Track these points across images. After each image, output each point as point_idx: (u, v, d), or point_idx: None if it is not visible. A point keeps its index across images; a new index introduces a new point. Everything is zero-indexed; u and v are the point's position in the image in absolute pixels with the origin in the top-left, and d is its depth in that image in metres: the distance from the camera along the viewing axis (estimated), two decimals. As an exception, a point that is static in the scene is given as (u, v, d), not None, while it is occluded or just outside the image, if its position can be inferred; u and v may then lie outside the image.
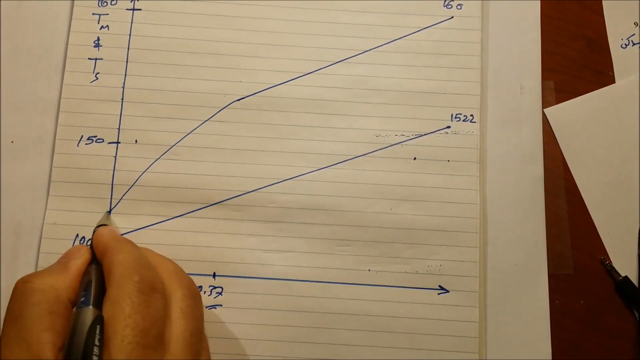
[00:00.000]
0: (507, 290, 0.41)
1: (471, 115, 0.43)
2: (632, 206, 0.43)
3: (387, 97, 0.43)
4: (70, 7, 0.44)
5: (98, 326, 0.30)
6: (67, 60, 0.43)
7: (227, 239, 0.41)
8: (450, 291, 0.41)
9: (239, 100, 0.43)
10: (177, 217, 0.41)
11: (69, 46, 0.43)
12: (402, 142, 0.42)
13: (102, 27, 0.44)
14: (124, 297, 0.31)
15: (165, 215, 0.41)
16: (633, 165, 0.43)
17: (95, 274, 0.34)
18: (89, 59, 0.43)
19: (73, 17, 0.44)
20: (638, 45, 0.45)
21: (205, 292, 0.40)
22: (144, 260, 0.34)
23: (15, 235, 0.41)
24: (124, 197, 0.42)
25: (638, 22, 0.45)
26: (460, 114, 0.43)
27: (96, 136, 0.42)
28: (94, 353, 0.29)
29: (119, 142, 0.42)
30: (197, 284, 0.40)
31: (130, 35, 0.44)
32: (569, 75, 0.44)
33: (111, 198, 0.41)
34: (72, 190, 0.41)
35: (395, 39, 0.44)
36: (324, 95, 0.43)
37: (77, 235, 0.41)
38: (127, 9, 0.44)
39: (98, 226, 0.39)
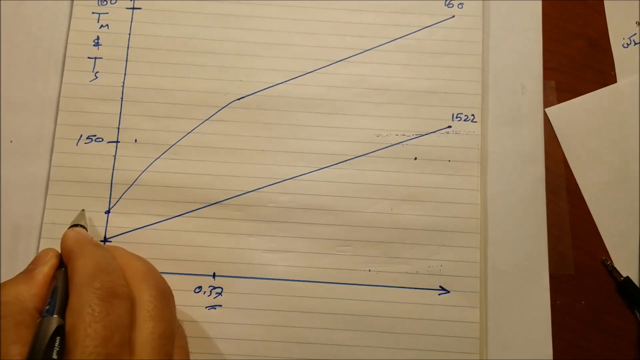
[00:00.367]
0: (508, 290, 0.41)
1: (472, 115, 0.43)
2: (634, 206, 0.42)
3: (387, 96, 0.43)
4: (70, 6, 0.44)
5: (58, 337, 0.29)
6: (67, 59, 0.43)
7: (227, 239, 0.41)
8: (451, 292, 0.41)
9: (239, 99, 0.43)
10: (176, 216, 0.41)
11: (69, 45, 0.43)
12: (402, 141, 0.42)
13: (101, 26, 0.44)
14: (83, 305, 0.30)
15: (165, 214, 0.41)
16: (635, 165, 0.43)
17: (61, 279, 0.33)
18: (88, 57, 0.43)
19: (73, 16, 0.44)
20: (639, 44, 0.45)
21: (205, 292, 0.40)
22: (105, 265, 0.33)
23: (14, 235, 0.41)
24: (123, 197, 0.41)
25: (639, 22, 0.45)
26: (461, 113, 0.43)
27: (95, 135, 0.42)
28: None
29: (119, 142, 0.42)
30: (197, 284, 0.40)
31: (130, 34, 0.43)
32: (571, 75, 0.44)
33: (110, 197, 0.41)
34: (71, 190, 0.41)
35: (396, 38, 0.44)
36: (325, 94, 0.43)
37: (77, 235, 0.40)
38: (126, 8, 0.44)
39: (71, 226, 0.38)
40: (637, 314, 0.41)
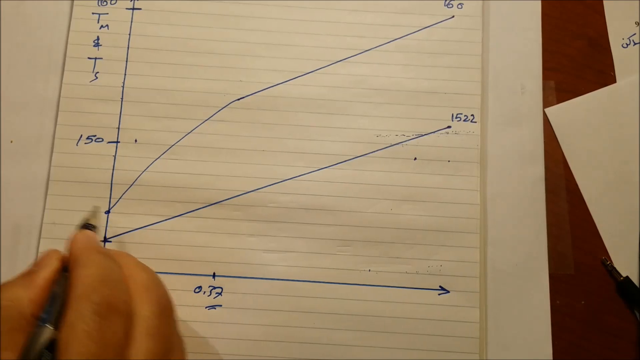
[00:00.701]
0: (508, 290, 0.41)
1: (472, 115, 0.43)
2: (633, 206, 0.42)
3: (387, 96, 0.43)
4: (70, 6, 0.44)
5: (48, 352, 0.28)
6: (67, 60, 0.43)
7: (227, 239, 0.41)
8: (451, 291, 0.41)
9: (238, 99, 0.43)
10: (176, 216, 0.41)
11: (69, 45, 0.43)
12: (402, 142, 0.42)
13: (101, 26, 0.44)
14: (78, 320, 0.29)
15: (165, 215, 0.41)
16: (634, 165, 0.43)
17: (62, 286, 0.32)
18: (88, 58, 0.43)
19: (73, 16, 0.44)
20: (639, 44, 0.45)
21: (205, 292, 0.40)
22: (109, 277, 0.32)
23: (15, 235, 0.41)
24: (123, 197, 0.41)
25: (639, 22, 0.45)
26: (461, 114, 0.43)
27: (95, 135, 0.42)
28: None
29: (119, 142, 0.42)
30: (197, 284, 0.40)
31: (130, 34, 0.43)
32: (570, 75, 0.44)
33: (110, 197, 0.41)
34: (72, 190, 0.41)
35: (396, 39, 0.44)
36: (324, 94, 0.43)
37: (77, 235, 0.40)
38: (126, 9, 0.44)
39: (83, 225, 0.37)
40: (637, 314, 0.41)
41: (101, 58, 0.43)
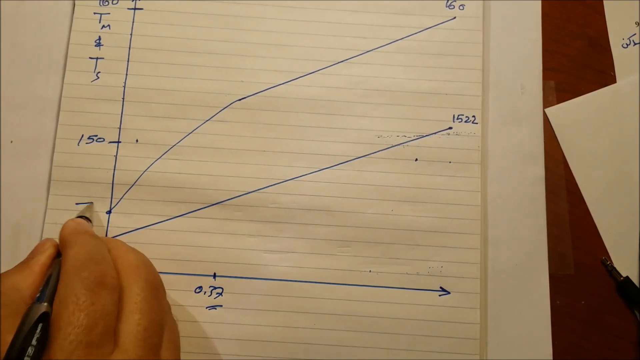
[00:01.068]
0: (508, 290, 0.41)
1: (473, 116, 0.43)
2: (633, 206, 0.43)
3: (388, 97, 0.43)
4: (71, 6, 0.44)
5: (40, 324, 0.30)
6: (68, 60, 0.43)
7: (228, 239, 0.41)
8: (452, 292, 0.41)
9: (240, 100, 0.43)
10: (177, 217, 0.41)
11: (70, 45, 0.43)
12: (403, 143, 0.42)
13: (103, 26, 0.43)
14: (69, 294, 0.30)
15: (166, 215, 0.41)
16: (634, 165, 0.43)
17: (56, 268, 0.33)
18: (90, 58, 0.43)
19: (74, 16, 0.44)
20: (639, 44, 0.45)
21: (205, 292, 0.40)
22: (97, 254, 0.33)
23: (16, 235, 0.41)
24: (124, 197, 0.41)
25: (639, 22, 0.45)
26: (462, 114, 0.43)
27: (97, 135, 0.42)
28: (27, 354, 0.29)
29: (120, 142, 0.42)
30: (198, 284, 0.40)
31: (131, 34, 0.43)
32: (570, 75, 0.44)
33: (111, 197, 0.41)
34: (73, 190, 0.41)
35: (397, 40, 0.44)
36: (326, 95, 0.43)
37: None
38: (128, 9, 0.44)
39: (77, 217, 0.39)
40: (637, 314, 0.41)
41: (102, 58, 0.43)
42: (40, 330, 0.29)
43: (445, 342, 0.40)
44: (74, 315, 0.30)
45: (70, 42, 0.43)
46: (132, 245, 0.40)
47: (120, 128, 0.42)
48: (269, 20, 0.44)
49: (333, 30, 0.44)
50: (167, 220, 0.41)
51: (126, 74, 0.43)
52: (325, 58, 0.43)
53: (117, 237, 0.41)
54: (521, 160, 0.43)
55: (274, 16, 0.44)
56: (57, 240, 0.36)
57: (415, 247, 0.41)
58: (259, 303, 0.40)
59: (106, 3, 0.44)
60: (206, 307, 0.40)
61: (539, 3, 0.45)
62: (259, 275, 0.41)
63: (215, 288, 0.41)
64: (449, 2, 0.44)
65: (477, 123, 0.43)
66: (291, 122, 0.43)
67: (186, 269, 0.41)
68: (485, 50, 0.44)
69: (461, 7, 0.44)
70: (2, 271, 0.39)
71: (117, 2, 0.44)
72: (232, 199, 0.41)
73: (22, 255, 0.40)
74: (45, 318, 0.30)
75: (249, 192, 0.42)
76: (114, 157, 0.42)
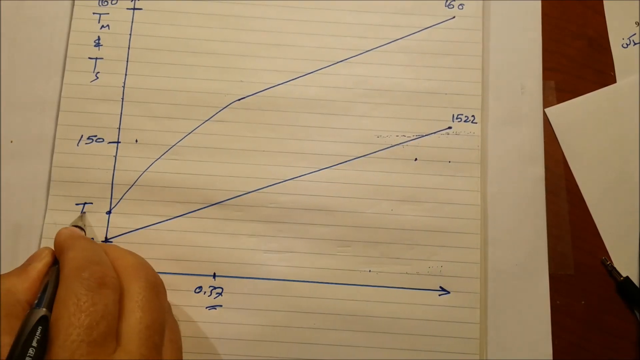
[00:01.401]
0: (508, 290, 0.41)
1: (472, 116, 0.43)
2: (633, 206, 0.43)
3: (388, 97, 0.43)
4: (70, 6, 0.44)
5: (40, 327, 0.30)
6: (68, 60, 0.43)
7: (228, 239, 0.41)
8: (451, 292, 0.41)
9: (239, 100, 0.43)
10: (177, 217, 0.41)
11: (70, 45, 0.43)
12: (403, 142, 0.42)
13: (102, 26, 0.44)
14: (69, 295, 0.30)
15: (166, 215, 0.41)
16: (634, 165, 0.43)
17: (53, 275, 0.33)
18: (89, 58, 0.43)
19: (73, 16, 0.44)
20: (639, 45, 0.45)
21: (205, 292, 0.40)
22: (94, 256, 0.33)
23: (15, 235, 0.41)
24: (124, 197, 0.41)
25: (639, 22, 0.45)
26: (462, 114, 0.43)
27: (96, 136, 0.42)
28: (28, 354, 0.29)
29: (119, 142, 0.42)
30: (198, 284, 0.40)
31: (130, 34, 0.43)
32: (570, 75, 0.44)
33: (111, 198, 0.41)
34: (73, 190, 0.41)
35: (397, 39, 0.44)
36: (325, 95, 0.43)
37: (78, 235, 0.41)
38: (127, 9, 0.44)
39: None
40: (637, 314, 0.41)
41: (102, 58, 0.43)
42: (40, 333, 0.30)
43: (445, 342, 0.40)
44: (75, 316, 0.30)
45: (70, 42, 0.43)
46: (132, 245, 0.40)
47: (119, 128, 0.42)
48: (269, 20, 0.44)
49: (332, 30, 0.44)
50: (166, 220, 0.41)
51: (125, 74, 0.43)
52: (324, 58, 0.43)
53: (117, 237, 0.41)
54: (521, 160, 0.43)
55: (274, 16, 0.44)
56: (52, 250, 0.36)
57: (414, 247, 0.41)
58: (258, 303, 0.40)
59: (105, 3, 0.44)
60: (206, 307, 0.40)
61: (539, 3, 0.45)
62: (258, 275, 0.41)
63: (215, 288, 0.40)
64: (448, 1, 0.44)
65: (476, 123, 0.43)
66: (291, 122, 0.43)
67: (186, 269, 0.41)
68: (485, 50, 0.44)
69: (460, 7, 0.44)
70: (2, 272, 0.39)
71: (116, 2, 0.44)
72: (231, 198, 0.41)
73: (22, 255, 0.40)
74: (44, 321, 0.30)
75: (249, 192, 0.42)
76: (114, 158, 0.42)
